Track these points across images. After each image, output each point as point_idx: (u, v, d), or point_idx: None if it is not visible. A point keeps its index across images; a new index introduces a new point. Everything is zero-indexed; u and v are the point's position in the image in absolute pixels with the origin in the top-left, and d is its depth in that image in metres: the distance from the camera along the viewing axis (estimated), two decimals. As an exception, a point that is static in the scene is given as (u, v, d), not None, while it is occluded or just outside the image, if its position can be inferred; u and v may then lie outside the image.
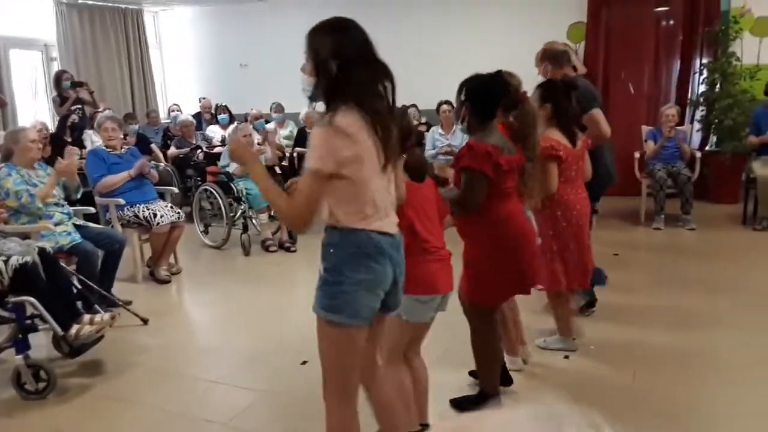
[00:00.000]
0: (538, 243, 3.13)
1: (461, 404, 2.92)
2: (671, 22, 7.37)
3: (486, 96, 2.60)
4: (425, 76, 7.45)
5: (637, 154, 6.58)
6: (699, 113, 7.26)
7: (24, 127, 4.55)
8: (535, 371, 3.29)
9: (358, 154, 1.83)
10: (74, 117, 7.29)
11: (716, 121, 6.96)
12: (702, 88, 7.21)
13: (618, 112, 7.54)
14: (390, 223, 1.98)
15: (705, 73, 7.15)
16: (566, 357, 3.42)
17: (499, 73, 2.61)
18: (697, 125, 7.29)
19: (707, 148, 7.28)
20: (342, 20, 1.95)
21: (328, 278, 1.92)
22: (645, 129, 6.60)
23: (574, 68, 7.28)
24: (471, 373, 3.09)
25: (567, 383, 3.17)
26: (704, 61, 7.23)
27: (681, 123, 6.66)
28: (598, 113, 3.53)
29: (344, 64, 1.86)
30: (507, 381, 3.02)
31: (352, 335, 1.94)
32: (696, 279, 4.66)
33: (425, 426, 2.60)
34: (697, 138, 7.34)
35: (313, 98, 1.95)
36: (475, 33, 8.21)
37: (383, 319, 2.13)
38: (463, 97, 2.62)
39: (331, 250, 1.92)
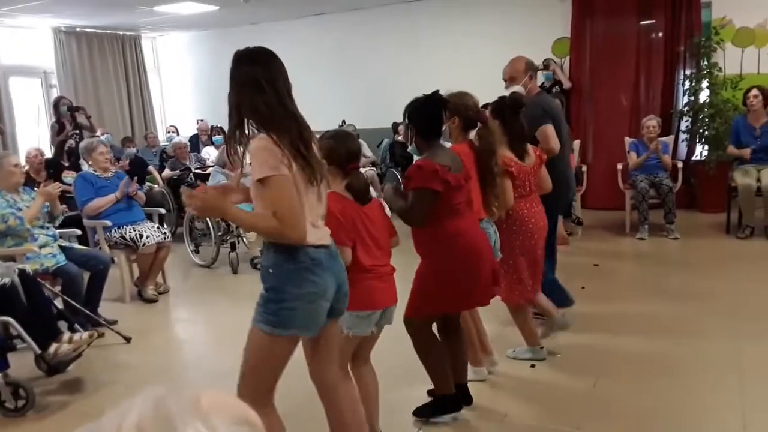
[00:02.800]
0: (497, 257, 3.23)
1: (422, 412, 2.98)
2: (654, 34, 7.46)
3: (425, 116, 2.71)
4: (407, 92, 7.57)
5: (620, 166, 6.65)
6: (684, 124, 7.33)
7: (7, 153, 4.70)
8: (499, 381, 3.36)
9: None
10: (71, 142, 7.48)
11: (700, 131, 7.04)
12: (686, 99, 7.29)
13: (602, 124, 7.66)
14: (323, 235, 2.08)
15: (687, 84, 7.22)
16: (532, 366, 3.49)
17: (435, 92, 2.72)
18: (682, 135, 7.35)
19: (694, 157, 7.34)
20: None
21: (271, 296, 2.02)
22: (627, 140, 6.67)
23: (559, 83, 7.45)
24: (429, 392, 3.12)
25: (530, 392, 3.24)
26: (687, 72, 7.32)
27: (664, 134, 6.73)
28: (547, 128, 3.63)
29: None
30: (467, 400, 3.05)
31: (288, 344, 2.04)
32: (672, 288, 4.71)
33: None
34: (683, 148, 7.40)
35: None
36: (459, 49, 8.36)
37: (333, 323, 2.23)
38: (407, 120, 2.74)
39: (270, 271, 2.02)
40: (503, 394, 3.25)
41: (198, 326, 4.92)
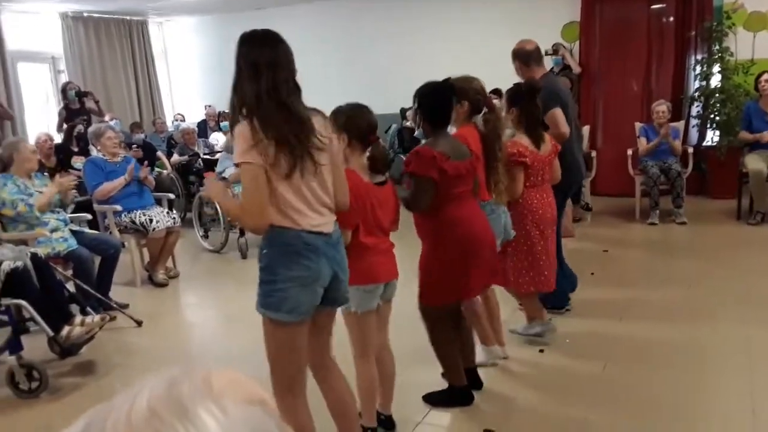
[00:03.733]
0: (510, 236, 3.22)
1: (433, 399, 3.00)
2: (664, 18, 7.38)
3: (434, 102, 2.72)
4: (413, 78, 7.55)
5: (629, 151, 6.61)
6: (695, 109, 7.27)
7: (21, 138, 4.72)
8: (508, 365, 3.37)
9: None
10: (80, 127, 7.50)
11: (711, 116, 6.98)
12: (697, 84, 7.22)
13: (612, 109, 7.61)
14: (324, 223, 2.08)
15: (698, 69, 7.15)
16: (541, 351, 3.49)
17: (447, 80, 2.72)
18: (693, 121, 7.30)
19: (705, 143, 7.29)
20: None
21: (264, 277, 2.04)
22: (638, 126, 6.63)
23: (568, 68, 7.38)
24: (443, 375, 3.14)
25: (539, 376, 3.26)
26: (698, 57, 7.24)
27: (674, 119, 6.68)
28: (557, 112, 3.57)
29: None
30: (477, 384, 3.07)
31: (291, 331, 2.06)
32: (682, 274, 4.70)
33: (387, 416, 2.70)
34: (694, 134, 7.35)
35: None
36: (466, 34, 8.29)
37: (331, 313, 2.24)
38: (416, 105, 2.74)
39: (264, 251, 2.05)
40: (512, 378, 3.27)
41: (207, 310, 4.95)
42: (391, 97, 7.70)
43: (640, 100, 7.44)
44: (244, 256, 5.92)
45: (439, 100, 2.71)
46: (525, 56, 3.76)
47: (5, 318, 3.43)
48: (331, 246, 2.09)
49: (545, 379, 3.22)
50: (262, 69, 1.96)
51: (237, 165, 2.00)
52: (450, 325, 2.88)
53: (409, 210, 2.74)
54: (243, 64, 2.00)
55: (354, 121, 2.38)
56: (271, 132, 1.94)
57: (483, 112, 3.07)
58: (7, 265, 3.32)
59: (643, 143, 6.36)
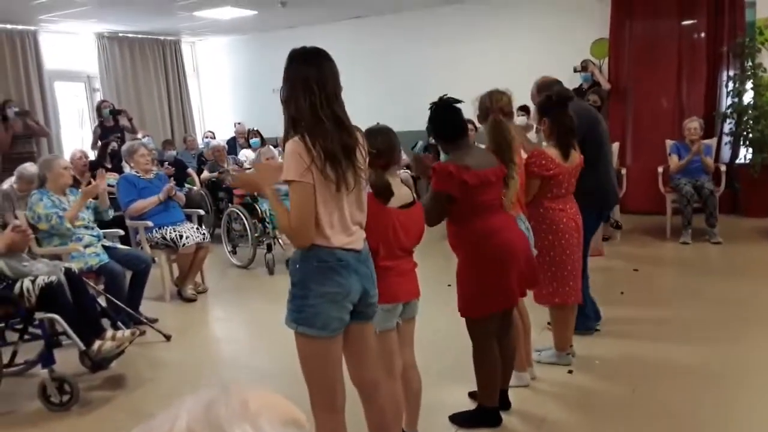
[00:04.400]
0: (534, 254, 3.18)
1: (460, 419, 2.97)
2: (696, 34, 7.30)
3: (439, 123, 2.77)
4: (445, 93, 7.58)
5: (660, 169, 6.51)
6: (727, 126, 7.15)
7: (57, 156, 4.85)
8: (538, 386, 3.32)
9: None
10: (114, 145, 7.67)
11: (744, 133, 6.86)
12: (729, 100, 7.10)
13: (642, 126, 7.52)
14: (355, 240, 2.09)
15: (731, 86, 7.04)
16: (570, 372, 3.44)
17: (441, 98, 2.75)
18: (725, 138, 7.17)
19: (738, 161, 7.15)
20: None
21: (296, 292, 2.05)
22: (669, 143, 6.54)
23: (597, 85, 7.32)
24: (470, 395, 3.13)
25: (568, 398, 3.20)
26: (731, 73, 7.13)
27: (707, 136, 6.57)
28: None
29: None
30: (505, 405, 3.03)
31: (322, 345, 2.06)
32: (714, 294, 4.59)
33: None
34: (726, 151, 7.22)
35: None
36: (496, 51, 8.30)
37: (366, 326, 2.24)
38: (431, 138, 2.78)
39: (297, 266, 2.06)
40: (541, 398, 3.22)
41: (235, 325, 5.00)
42: (420, 113, 7.70)
43: (670, 117, 7.34)
44: (271, 272, 5.97)
45: (441, 117, 2.75)
46: (549, 86, 3.77)
47: (38, 332, 3.51)
48: (362, 262, 2.11)
49: (574, 401, 3.16)
50: (313, 83, 2.00)
51: (287, 182, 2.00)
52: (493, 344, 2.85)
53: (428, 219, 2.74)
54: (294, 79, 2.04)
55: (386, 143, 2.40)
56: (320, 142, 1.97)
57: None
58: (42, 280, 3.40)
59: (674, 160, 6.27)
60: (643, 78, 7.47)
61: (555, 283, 3.34)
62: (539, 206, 3.28)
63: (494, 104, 3.03)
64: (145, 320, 4.43)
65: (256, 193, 5.97)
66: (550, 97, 3.32)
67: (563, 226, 3.29)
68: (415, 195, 2.61)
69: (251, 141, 8.65)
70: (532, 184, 3.20)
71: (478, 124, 3.29)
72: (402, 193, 2.48)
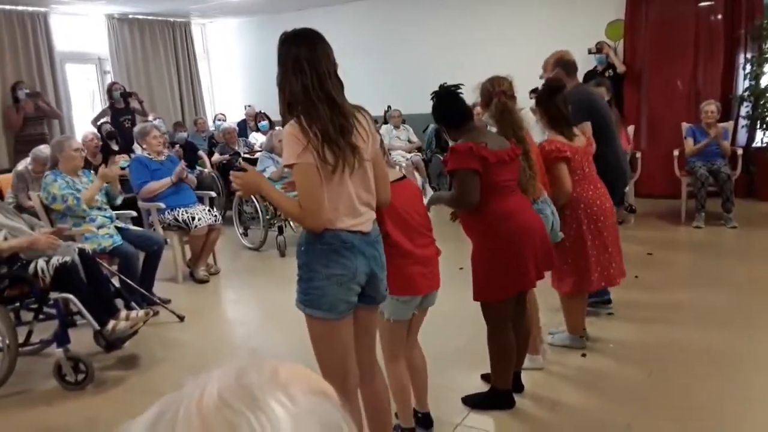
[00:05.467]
0: (558, 238, 3.15)
1: (473, 401, 2.97)
2: (713, 16, 7.17)
3: (443, 110, 2.76)
4: (454, 77, 7.51)
5: (676, 152, 6.44)
6: (744, 109, 7.05)
7: (68, 137, 4.85)
8: (552, 369, 3.31)
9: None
10: (107, 126, 7.65)
11: (761, 116, 6.76)
12: (746, 83, 6.99)
13: (658, 109, 7.42)
14: (362, 222, 2.07)
15: (748, 69, 6.92)
16: (583, 355, 3.42)
17: (440, 86, 2.76)
18: (742, 121, 7.07)
19: (755, 144, 7.06)
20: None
21: (302, 275, 2.05)
22: (684, 126, 6.45)
23: (612, 67, 7.22)
24: (483, 377, 3.12)
25: (582, 381, 3.19)
26: (748, 56, 7.02)
27: (723, 119, 6.48)
28: (585, 126, 3.53)
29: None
30: (518, 388, 3.03)
31: (331, 326, 2.06)
32: (729, 278, 4.54)
33: (425, 414, 2.69)
34: (743, 134, 7.12)
35: None
36: (508, 31, 8.20)
37: (372, 312, 2.22)
38: (436, 125, 2.76)
39: (302, 248, 2.05)
40: (554, 381, 3.21)
41: (247, 307, 5.01)
42: (428, 96, 7.66)
43: (686, 100, 7.24)
44: (282, 254, 5.97)
45: (444, 105, 2.75)
46: (569, 65, 3.75)
47: (53, 311, 3.53)
48: (369, 244, 2.08)
49: (588, 384, 3.15)
50: (304, 64, 2.00)
51: (288, 166, 2.01)
52: (508, 327, 2.83)
53: (459, 208, 2.72)
54: (286, 61, 2.03)
55: None
56: (316, 125, 1.96)
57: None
58: (56, 260, 3.41)
59: (690, 144, 6.19)
60: (659, 60, 7.36)
61: (579, 272, 3.31)
62: (572, 192, 3.24)
63: (496, 88, 2.99)
64: (158, 301, 4.45)
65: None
66: (542, 88, 3.37)
67: (597, 209, 3.27)
68: (425, 178, 2.60)
69: (260, 124, 8.63)
70: (560, 170, 3.17)
71: (480, 110, 3.27)
72: (391, 172, 2.46)
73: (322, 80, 2.01)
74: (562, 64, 3.75)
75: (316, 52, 2.02)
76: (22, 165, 5.47)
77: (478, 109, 3.39)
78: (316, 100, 1.99)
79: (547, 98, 3.25)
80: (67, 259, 3.46)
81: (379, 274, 2.12)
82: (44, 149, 5.26)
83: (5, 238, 3.42)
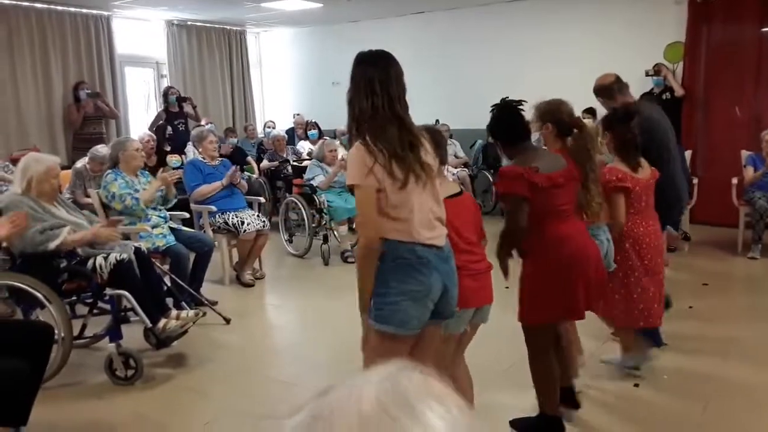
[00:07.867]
0: (611, 268, 3.07)
1: (521, 425, 2.90)
2: (777, 41, 6.96)
3: (502, 125, 2.72)
4: (503, 94, 7.46)
5: (734, 180, 6.24)
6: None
7: (129, 138, 4.98)
8: (603, 397, 3.22)
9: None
10: (169, 129, 7.84)
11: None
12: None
13: (716, 135, 7.23)
14: (437, 237, 2.07)
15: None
16: (636, 385, 3.32)
17: (502, 100, 2.72)
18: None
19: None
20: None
21: (377, 289, 2.04)
22: (744, 154, 6.26)
23: (670, 90, 7.05)
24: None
25: (634, 411, 3.09)
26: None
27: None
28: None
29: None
30: (574, 405, 2.96)
31: (396, 344, 2.04)
32: (790, 314, 4.37)
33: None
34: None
35: None
36: (562, 51, 8.10)
37: (437, 328, 2.20)
38: (491, 140, 2.72)
39: (379, 264, 2.03)
40: (606, 410, 3.11)
41: (290, 313, 5.03)
42: (480, 111, 7.61)
43: (746, 127, 7.02)
44: (326, 263, 5.99)
45: (504, 118, 2.70)
46: (606, 91, 3.66)
47: (107, 307, 3.61)
48: (443, 260, 2.08)
49: (640, 415, 3.05)
50: (377, 85, 2.08)
51: (350, 187, 2.10)
52: (549, 349, 2.77)
53: (512, 236, 2.65)
54: (359, 80, 2.12)
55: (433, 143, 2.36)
56: (382, 143, 2.02)
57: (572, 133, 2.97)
58: (114, 257, 3.48)
59: (749, 172, 6.00)
60: (719, 85, 7.17)
61: (625, 304, 3.23)
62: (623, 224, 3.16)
63: (559, 110, 2.93)
64: (206, 302, 4.51)
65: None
66: (615, 113, 3.25)
67: (646, 245, 3.18)
68: (470, 191, 2.58)
69: (309, 133, 8.71)
70: (617, 201, 3.09)
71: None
72: (448, 187, 2.49)
73: (392, 101, 2.09)
74: (601, 93, 3.67)
75: (389, 75, 2.11)
76: (81, 163, 5.64)
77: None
78: (384, 119, 2.07)
79: (620, 124, 3.16)
80: (125, 256, 3.53)
81: (452, 290, 2.12)
82: (101, 149, 5.41)
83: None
